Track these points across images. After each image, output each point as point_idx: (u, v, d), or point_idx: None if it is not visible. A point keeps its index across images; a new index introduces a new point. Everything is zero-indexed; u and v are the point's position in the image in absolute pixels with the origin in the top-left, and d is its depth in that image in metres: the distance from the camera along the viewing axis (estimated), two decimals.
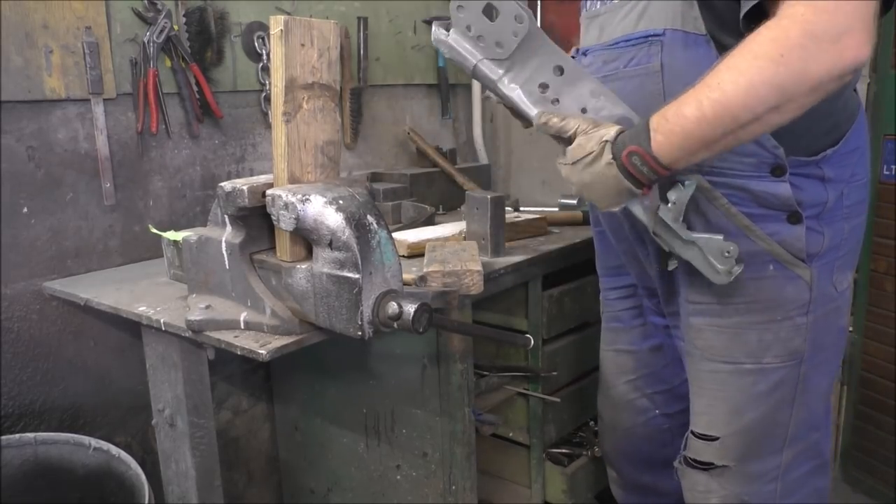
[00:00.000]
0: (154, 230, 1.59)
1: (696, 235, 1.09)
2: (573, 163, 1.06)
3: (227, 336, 1.18)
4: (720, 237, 1.08)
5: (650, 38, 1.13)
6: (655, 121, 0.99)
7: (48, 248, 1.58)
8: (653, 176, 1.01)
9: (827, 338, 1.21)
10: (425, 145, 2.27)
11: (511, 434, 1.94)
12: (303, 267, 1.12)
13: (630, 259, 1.41)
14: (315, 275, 1.10)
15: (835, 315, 1.21)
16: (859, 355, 2.13)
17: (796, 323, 1.18)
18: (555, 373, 1.84)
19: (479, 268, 1.37)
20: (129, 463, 1.34)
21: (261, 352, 1.12)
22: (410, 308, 1.06)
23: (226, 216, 1.19)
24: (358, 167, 2.23)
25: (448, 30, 1.13)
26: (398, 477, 1.73)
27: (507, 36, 1.10)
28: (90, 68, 1.57)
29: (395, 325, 1.08)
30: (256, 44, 1.88)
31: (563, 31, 2.25)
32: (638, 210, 1.07)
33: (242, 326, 1.19)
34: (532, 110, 1.12)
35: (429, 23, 2.31)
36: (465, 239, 1.66)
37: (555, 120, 1.08)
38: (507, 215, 1.74)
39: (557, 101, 1.12)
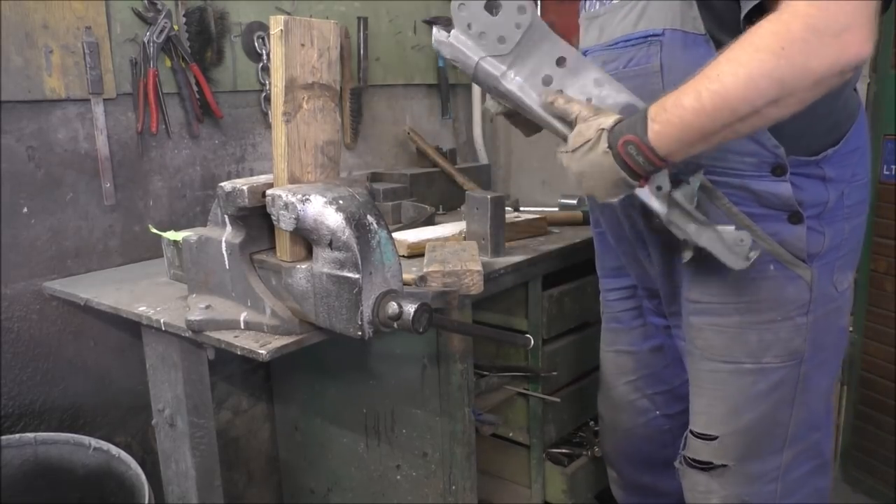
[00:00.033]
0: (154, 230, 1.59)
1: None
2: (572, 150, 1.05)
3: (227, 336, 1.18)
4: (731, 227, 1.06)
5: (649, 39, 1.13)
6: (654, 110, 0.98)
7: (48, 248, 1.58)
8: (648, 167, 1.00)
9: (827, 338, 1.21)
10: (425, 145, 2.27)
11: (511, 434, 1.94)
12: (303, 267, 1.12)
13: (630, 260, 1.41)
14: (315, 275, 1.10)
15: (835, 315, 1.21)
16: (859, 355, 2.13)
17: (797, 323, 1.17)
18: (555, 373, 1.84)
19: (479, 268, 1.37)
20: (129, 463, 1.34)
21: (261, 352, 1.12)
22: (410, 308, 1.06)
23: (226, 216, 1.19)
24: (358, 167, 2.22)
25: (449, 31, 1.13)
26: (398, 477, 1.73)
27: (509, 29, 1.09)
28: (90, 68, 1.57)
29: (395, 325, 1.08)
30: (256, 44, 1.88)
31: (562, 32, 2.22)
32: (649, 198, 1.04)
33: (242, 326, 1.19)
34: (536, 101, 1.11)
35: (429, 23, 2.29)
36: (465, 239, 1.66)
37: (560, 101, 1.08)
38: (507, 215, 1.74)
39: (562, 92, 1.12)
